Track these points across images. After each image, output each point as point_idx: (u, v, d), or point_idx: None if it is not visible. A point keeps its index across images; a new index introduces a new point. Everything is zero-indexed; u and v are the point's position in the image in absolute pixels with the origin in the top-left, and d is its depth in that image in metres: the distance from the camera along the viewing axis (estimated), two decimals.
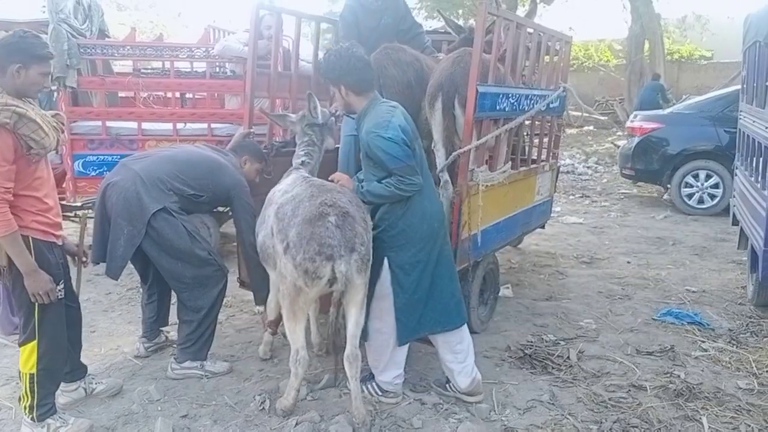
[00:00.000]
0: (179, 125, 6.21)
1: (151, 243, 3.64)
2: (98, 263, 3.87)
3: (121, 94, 7.07)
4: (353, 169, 4.81)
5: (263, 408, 3.41)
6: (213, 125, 6.24)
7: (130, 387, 3.69)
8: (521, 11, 16.56)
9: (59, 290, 3.07)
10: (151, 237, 3.62)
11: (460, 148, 3.96)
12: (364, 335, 3.38)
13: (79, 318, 3.49)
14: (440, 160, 4.14)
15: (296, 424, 3.22)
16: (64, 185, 6.16)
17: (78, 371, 3.53)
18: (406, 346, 3.48)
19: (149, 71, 7.03)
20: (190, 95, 7.37)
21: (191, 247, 3.67)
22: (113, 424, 3.30)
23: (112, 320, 4.78)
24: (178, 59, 6.40)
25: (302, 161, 3.82)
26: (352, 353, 3.18)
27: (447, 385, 3.56)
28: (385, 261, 3.33)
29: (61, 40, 5.83)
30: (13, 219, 2.84)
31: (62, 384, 3.37)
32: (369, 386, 3.53)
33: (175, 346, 3.98)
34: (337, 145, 5.23)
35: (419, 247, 3.32)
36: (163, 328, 4.25)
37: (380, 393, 3.50)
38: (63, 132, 3.21)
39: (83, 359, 4.07)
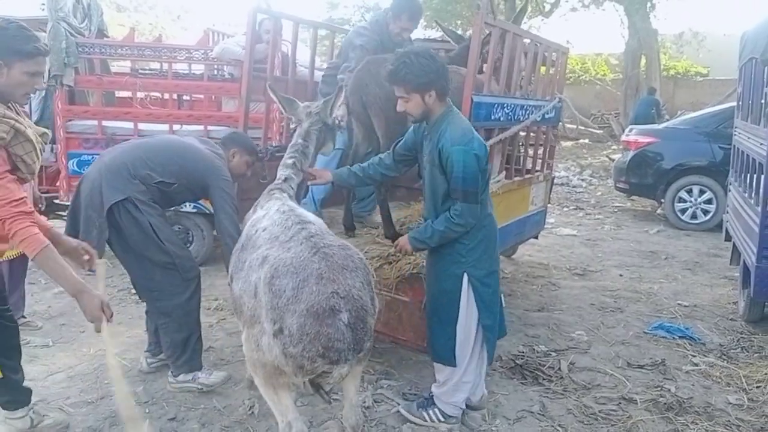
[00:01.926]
0: (176, 127, 6.19)
1: (116, 237, 3.44)
2: None
3: (118, 94, 7.06)
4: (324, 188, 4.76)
5: (252, 413, 3.39)
6: (210, 128, 6.22)
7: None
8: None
9: None
10: (115, 230, 3.42)
11: None
12: (450, 360, 3.23)
13: (15, 338, 3.11)
14: None
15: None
16: (57, 184, 6.14)
17: (21, 397, 3.15)
18: (481, 368, 3.34)
19: (147, 72, 7.02)
20: (188, 97, 7.35)
21: (157, 243, 3.43)
22: (100, 426, 3.28)
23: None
24: (176, 61, 6.39)
25: (286, 177, 3.31)
26: (357, 424, 2.77)
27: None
28: (465, 277, 3.14)
29: (59, 38, 5.82)
30: (41, 234, 2.52)
31: (5, 412, 3.11)
32: (430, 412, 3.33)
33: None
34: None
35: (494, 256, 3.22)
36: None
37: (443, 419, 3.31)
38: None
39: (71, 359, 4.07)
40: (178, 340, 3.61)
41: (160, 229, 3.46)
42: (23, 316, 4.54)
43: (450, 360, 3.24)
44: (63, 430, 3.23)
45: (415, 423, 3.35)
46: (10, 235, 2.47)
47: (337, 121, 3.82)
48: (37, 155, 2.65)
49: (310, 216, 2.98)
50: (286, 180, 3.29)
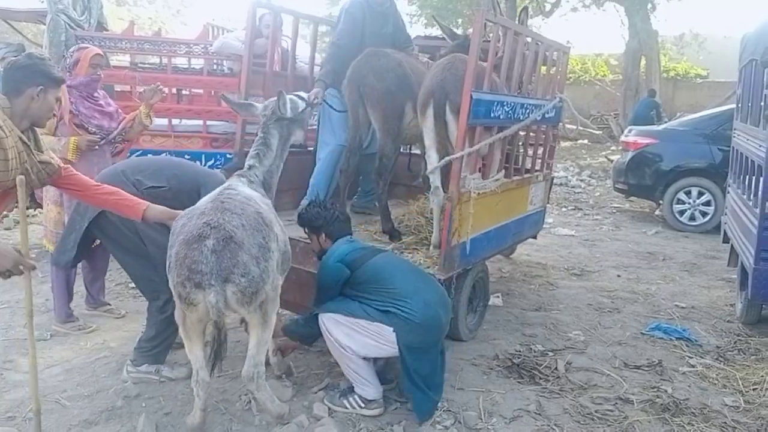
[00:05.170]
0: (175, 121, 6.18)
1: (111, 240, 3.61)
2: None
3: (117, 87, 7.03)
4: (326, 184, 4.81)
5: (249, 408, 3.38)
6: (209, 122, 6.21)
7: (114, 382, 3.67)
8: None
9: None
10: (112, 231, 3.56)
11: (452, 154, 3.94)
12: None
13: None
14: (432, 165, 4.12)
15: (283, 424, 3.20)
16: None
17: None
18: (371, 361, 3.45)
19: (146, 66, 7.00)
20: (187, 92, 7.34)
21: (156, 243, 3.48)
22: (96, 419, 3.27)
23: (99, 314, 4.74)
24: (175, 55, 6.37)
25: (250, 165, 3.55)
26: (248, 373, 3.06)
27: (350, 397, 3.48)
28: (394, 335, 3.26)
29: (58, 30, 5.81)
30: None
31: None
32: (351, 399, 3.41)
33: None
34: (310, 147, 5.21)
35: (426, 335, 3.33)
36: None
37: (363, 405, 3.39)
38: (38, 186, 2.98)
39: (68, 352, 4.07)
40: (162, 335, 3.66)
41: (147, 232, 3.51)
42: (108, 304, 4.83)
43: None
44: None
45: (337, 411, 3.39)
46: None
47: (311, 103, 4.09)
48: (8, 170, 2.68)
49: (243, 194, 3.18)
50: (250, 168, 3.54)
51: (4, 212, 2.96)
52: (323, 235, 3.60)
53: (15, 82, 2.79)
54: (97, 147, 4.33)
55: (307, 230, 3.69)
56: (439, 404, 3.48)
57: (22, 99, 2.77)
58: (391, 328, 3.27)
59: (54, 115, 3.07)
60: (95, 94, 4.43)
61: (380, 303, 3.32)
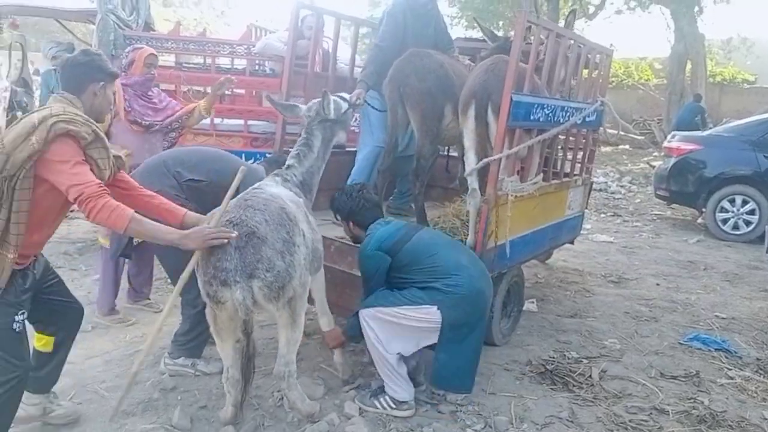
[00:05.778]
0: (216, 120, 6.28)
1: None
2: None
3: (162, 86, 7.18)
4: (367, 177, 4.84)
5: (281, 404, 3.43)
6: (250, 122, 6.30)
7: (152, 374, 3.75)
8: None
9: (18, 322, 2.70)
10: None
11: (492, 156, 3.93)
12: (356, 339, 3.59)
13: (76, 319, 3.14)
14: (470, 166, 4.12)
15: (314, 422, 3.24)
16: None
17: (45, 383, 3.11)
18: (403, 359, 3.45)
19: (191, 66, 7.14)
20: (229, 92, 7.44)
21: None
22: (133, 410, 3.35)
23: (139, 308, 4.86)
24: (219, 55, 6.49)
25: (289, 165, 3.58)
26: (279, 373, 3.12)
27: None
28: (438, 314, 3.28)
29: (107, 30, 5.98)
30: (122, 205, 2.65)
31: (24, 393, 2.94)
32: (381, 400, 3.43)
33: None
34: (351, 148, 5.24)
35: (471, 308, 3.36)
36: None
37: (394, 406, 3.40)
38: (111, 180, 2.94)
39: (108, 344, 4.17)
40: (197, 329, 3.74)
41: None
42: (148, 298, 4.95)
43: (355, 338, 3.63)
44: (72, 422, 3.19)
45: (368, 411, 3.41)
46: (95, 212, 2.57)
47: (354, 104, 4.08)
48: (109, 165, 2.80)
49: (269, 192, 3.20)
50: (288, 167, 3.57)
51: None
52: (351, 222, 3.67)
53: (76, 79, 2.81)
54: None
55: (338, 218, 3.76)
56: (470, 407, 3.50)
57: (86, 96, 2.81)
58: (435, 307, 3.27)
59: (111, 109, 3.16)
60: (149, 93, 4.59)
61: (423, 282, 3.33)
